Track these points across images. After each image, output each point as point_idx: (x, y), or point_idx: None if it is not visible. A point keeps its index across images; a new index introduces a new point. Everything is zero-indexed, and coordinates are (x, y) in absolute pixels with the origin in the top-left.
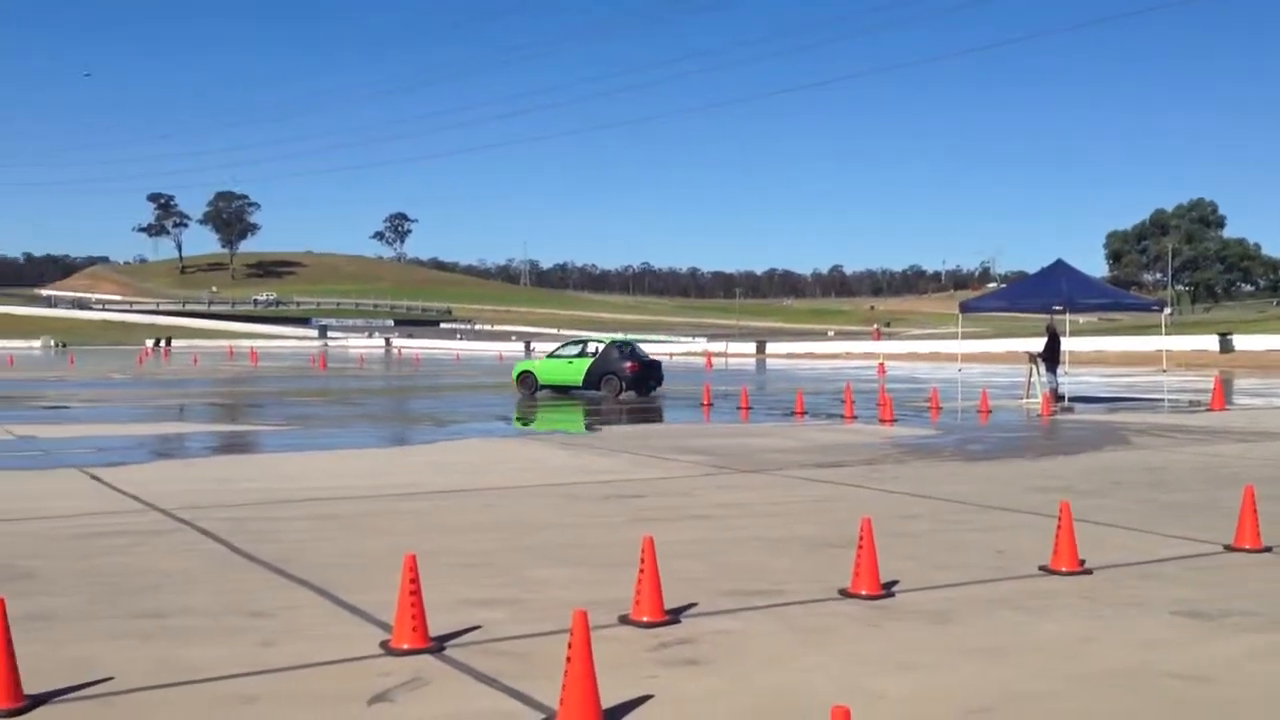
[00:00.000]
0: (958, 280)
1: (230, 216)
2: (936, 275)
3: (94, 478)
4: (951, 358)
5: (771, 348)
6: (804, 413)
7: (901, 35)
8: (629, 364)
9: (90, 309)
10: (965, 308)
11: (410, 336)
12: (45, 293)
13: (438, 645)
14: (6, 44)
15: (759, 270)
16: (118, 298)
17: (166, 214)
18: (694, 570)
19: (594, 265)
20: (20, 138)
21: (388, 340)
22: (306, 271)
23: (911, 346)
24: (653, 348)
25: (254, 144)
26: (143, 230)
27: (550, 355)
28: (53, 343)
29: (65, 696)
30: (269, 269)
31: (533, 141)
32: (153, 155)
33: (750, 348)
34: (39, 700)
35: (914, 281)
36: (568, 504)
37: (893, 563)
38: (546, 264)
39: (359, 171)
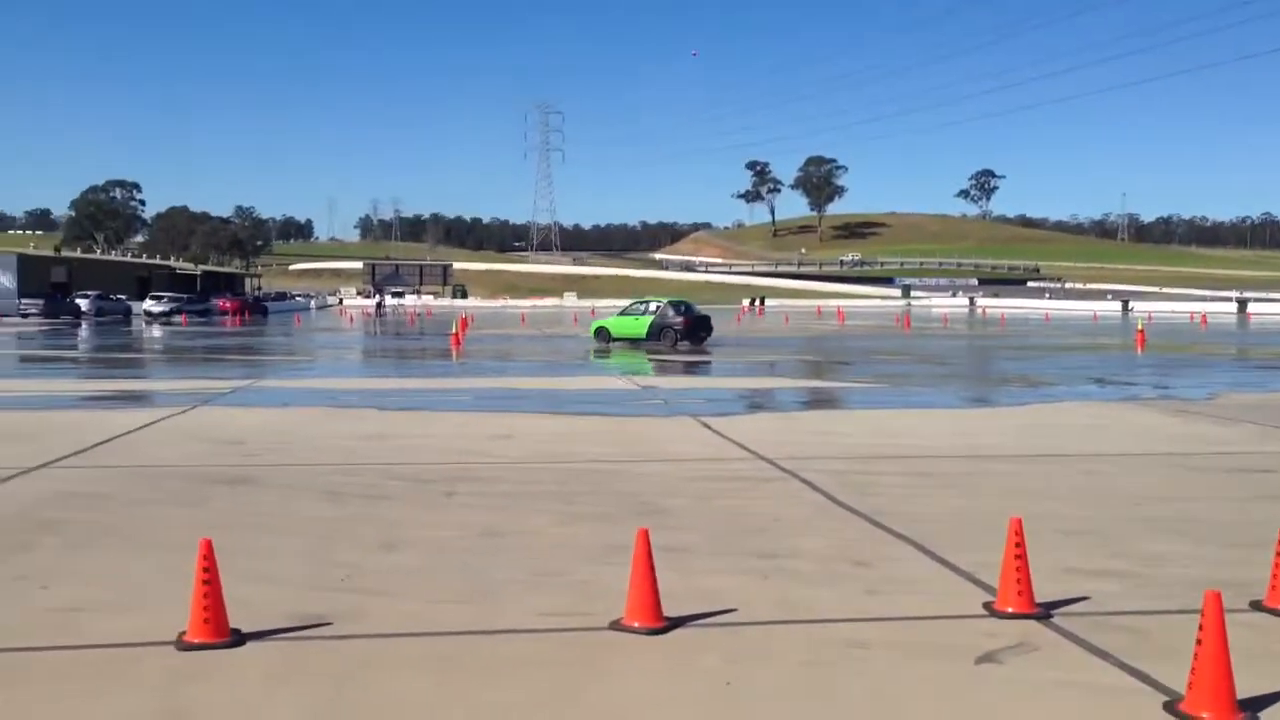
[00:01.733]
0: None
1: (819, 180)
2: None
3: (706, 426)
4: None
5: None
6: None
7: None
8: (681, 320)
9: (694, 271)
10: None
11: (995, 296)
12: (658, 256)
13: (1044, 612)
14: (624, 34)
15: None
16: (718, 260)
17: (762, 180)
18: None
19: (1203, 217)
20: (639, 118)
21: (971, 300)
22: (890, 232)
23: None
24: (1276, 308)
25: (841, 109)
26: (740, 196)
27: (621, 313)
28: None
29: (698, 622)
30: (854, 230)
31: (1129, 87)
32: (750, 126)
33: None
34: (676, 623)
35: None
36: (1184, 476)
37: None
38: (1148, 217)
39: (943, 130)
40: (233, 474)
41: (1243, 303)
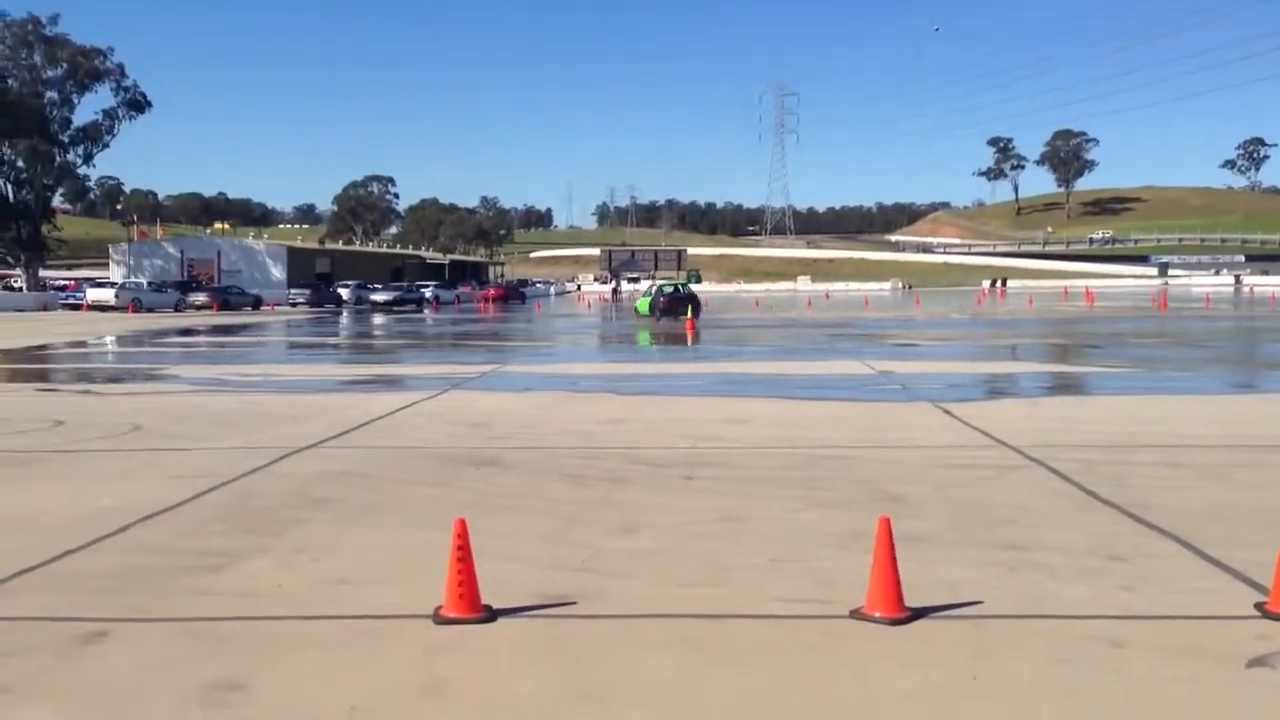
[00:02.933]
0: None
1: (1067, 155)
2: None
3: (946, 412)
4: None
5: None
6: None
7: None
8: (663, 299)
9: (932, 253)
10: None
11: (1264, 274)
12: (893, 238)
13: None
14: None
15: None
16: (957, 241)
17: (1005, 157)
18: None
19: None
20: (876, 97)
21: (1237, 278)
22: (1145, 207)
23: None
24: None
25: (1091, 79)
26: (981, 174)
27: (644, 294)
28: (900, 285)
29: (940, 614)
30: (1105, 206)
31: None
32: (990, 103)
33: None
34: (918, 614)
35: None
36: None
37: None
38: None
39: (1206, 97)
40: (480, 455)
41: None
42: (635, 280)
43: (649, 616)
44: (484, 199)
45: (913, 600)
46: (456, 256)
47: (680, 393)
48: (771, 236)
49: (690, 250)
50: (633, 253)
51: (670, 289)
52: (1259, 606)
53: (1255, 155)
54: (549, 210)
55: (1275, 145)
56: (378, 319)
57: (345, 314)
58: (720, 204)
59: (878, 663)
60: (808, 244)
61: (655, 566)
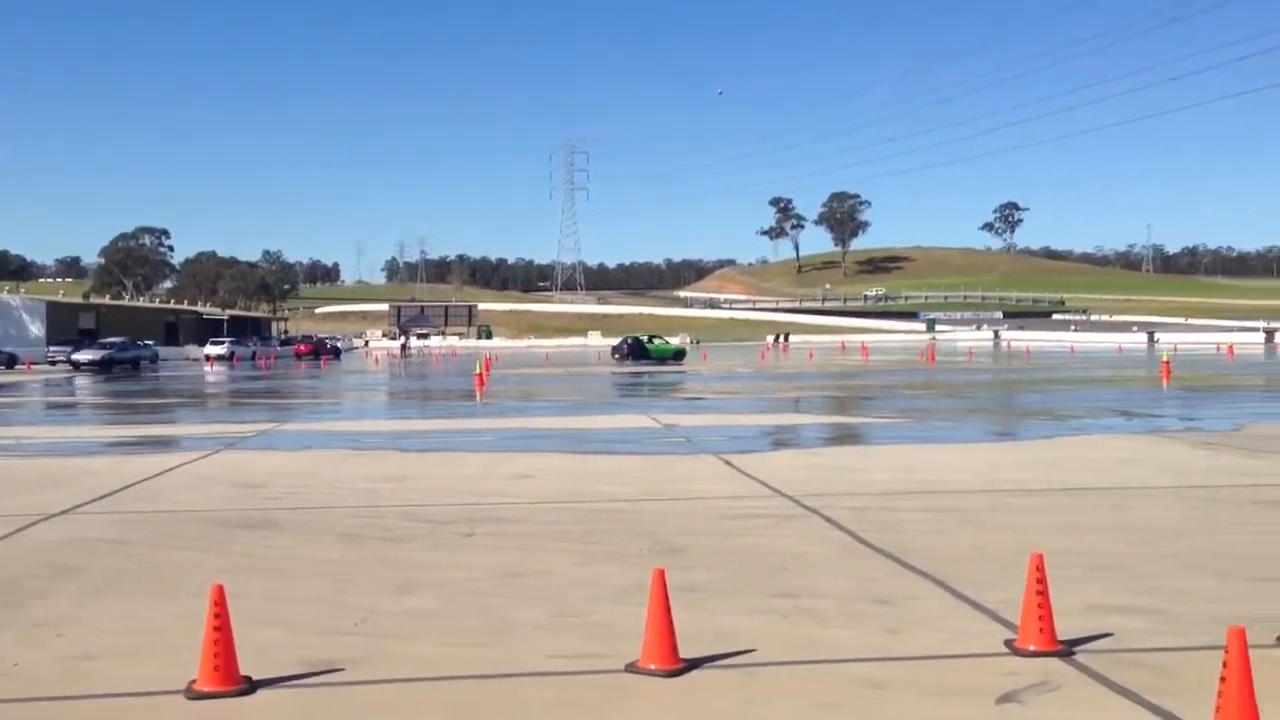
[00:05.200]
0: None
1: (842, 216)
2: None
3: (728, 463)
4: None
5: None
6: None
7: None
8: (626, 346)
9: (719, 308)
10: None
11: (1020, 329)
12: (682, 294)
13: (1066, 649)
14: (648, 74)
15: None
16: (742, 297)
17: (785, 216)
18: None
19: (1230, 247)
20: (663, 156)
21: (996, 333)
22: (914, 266)
23: None
24: None
25: (865, 144)
26: (764, 233)
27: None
28: (688, 339)
29: (715, 663)
30: (879, 265)
31: (1152, 119)
32: (774, 163)
33: None
34: (693, 664)
35: None
36: (1209, 509)
37: None
38: (1173, 248)
39: (967, 163)
40: (252, 518)
41: (1270, 333)
42: (425, 336)
43: (425, 680)
44: (267, 252)
45: (690, 650)
46: (237, 312)
47: (466, 448)
48: (563, 292)
49: (481, 305)
50: (422, 308)
51: (630, 340)
52: (1008, 644)
53: (1010, 218)
54: (336, 265)
55: (1028, 209)
56: (154, 376)
57: (111, 371)
58: (512, 259)
59: (649, 716)
60: (599, 300)
61: (433, 627)
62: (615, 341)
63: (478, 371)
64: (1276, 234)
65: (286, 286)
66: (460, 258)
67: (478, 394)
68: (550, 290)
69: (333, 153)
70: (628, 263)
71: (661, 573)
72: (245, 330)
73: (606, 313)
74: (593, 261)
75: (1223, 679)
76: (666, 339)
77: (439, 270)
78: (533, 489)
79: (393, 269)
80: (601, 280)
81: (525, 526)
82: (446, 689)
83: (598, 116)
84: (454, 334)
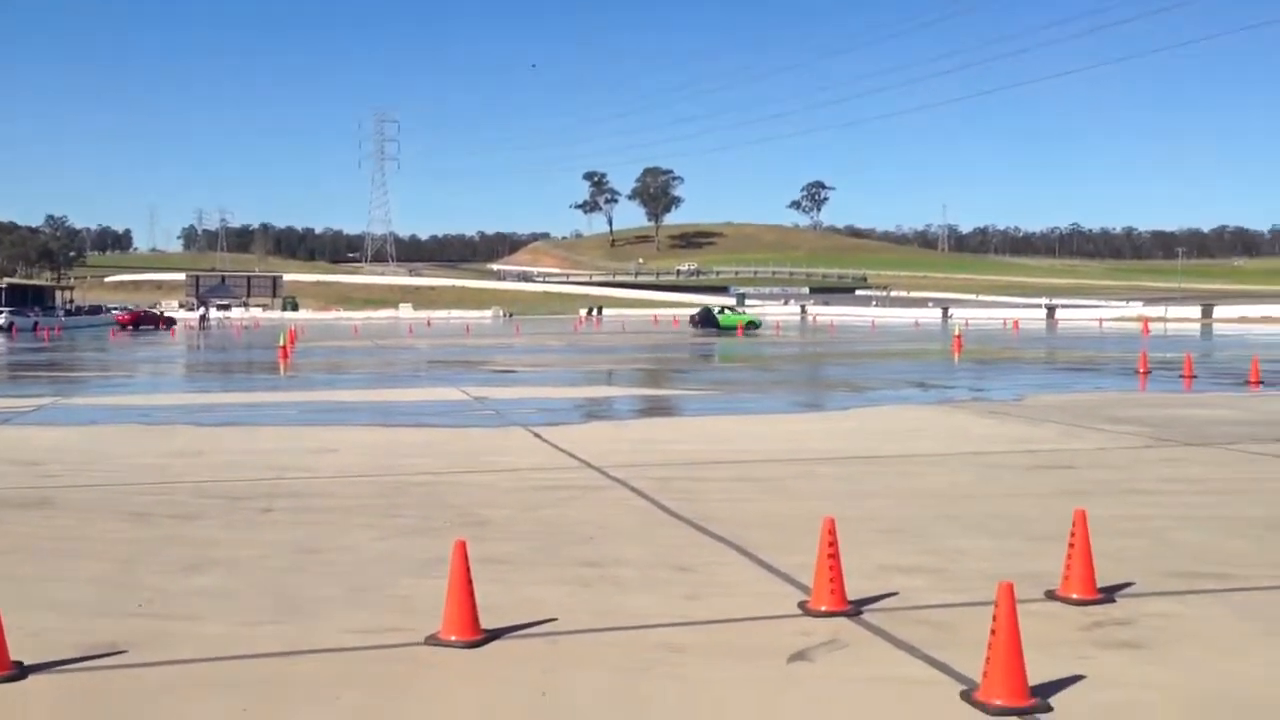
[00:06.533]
0: None
1: (656, 191)
2: None
3: (537, 436)
4: None
5: (1220, 312)
6: (1260, 382)
7: None
8: (697, 317)
9: (533, 281)
10: None
11: (825, 304)
12: (495, 267)
13: (855, 609)
14: (462, 44)
15: (1205, 228)
16: (556, 270)
17: (600, 191)
18: (1131, 548)
19: (1017, 228)
20: (478, 128)
21: (803, 307)
22: (726, 241)
23: None
24: (1080, 313)
25: (680, 119)
26: (578, 207)
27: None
28: (501, 312)
29: (516, 633)
30: (691, 240)
31: (952, 104)
32: (589, 135)
33: (1194, 312)
34: (494, 635)
35: None
36: (991, 473)
37: None
38: (966, 228)
39: (778, 141)
40: (28, 497)
41: (1051, 309)
42: (226, 308)
43: (212, 660)
44: (50, 217)
45: (492, 621)
46: (17, 280)
47: (267, 422)
48: (373, 264)
49: (287, 276)
50: (223, 278)
51: (702, 309)
52: (802, 605)
53: (817, 197)
54: (128, 231)
55: (834, 188)
56: None
57: None
58: (319, 229)
59: (451, 688)
60: (410, 271)
61: (224, 606)
62: (426, 314)
63: (282, 344)
64: (1058, 215)
65: (73, 254)
66: (264, 226)
67: (281, 367)
68: (360, 261)
69: (124, 115)
70: (441, 234)
71: (463, 544)
72: (25, 300)
73: (418, 285)
74: (404, 233)
75: (993, 632)
76: (740, 309)
77: (241, 239)
78: (335, 463)
79: (190, 237)
80: (414, 252)
81: (326, 501)
82: (233, 668)
83: (411, 83)
84: (257, 305)
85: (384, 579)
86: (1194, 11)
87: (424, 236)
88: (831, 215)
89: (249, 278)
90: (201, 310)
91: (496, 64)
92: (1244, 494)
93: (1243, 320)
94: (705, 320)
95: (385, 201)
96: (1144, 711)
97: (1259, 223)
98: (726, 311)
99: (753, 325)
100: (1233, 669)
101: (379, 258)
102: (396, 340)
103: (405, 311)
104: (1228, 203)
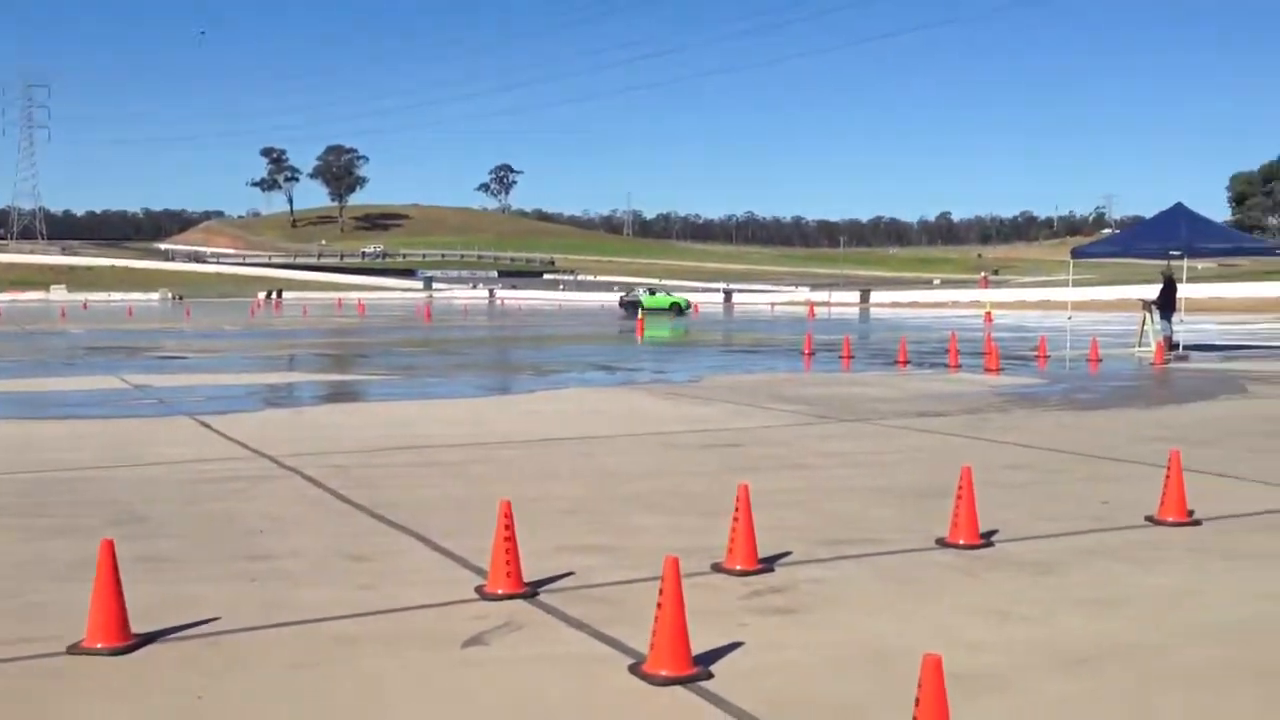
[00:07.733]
0: (1071, 226)
1: (339, 170)
2: (1049, 222)
3: (205, 425)
4: (1062, 306)
5: (876, 297)
6: (907, 362)
7: None
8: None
9: (205, 262)
10: (1077, 254)
11: (514, 288)
12: (163, 246)
13: (531, 590)
14: (125, 7)
15: (864, 219)
16: (231, 251)
17: (279, 168)
18: (790, 519)
19: (697, 215)
20: (141, 97)
21: (491, 291)
22: (412, 224)
23: (1020, 295)
24: (753, 298)
25: (364, 98)
26: (256, 185)
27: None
28: (170, 295)
29: (173, 635)
30: (376, 222)
31: (636, 91)
32: (266, 111)
33: (854, 297)
34: (147, 639)
35: (1025, 228)
36: (666, 452)
37: (993, 512)
38: (650, 214)
39: (465, 123)
40: None
41: (728, 293)
42: None
43: None
44: None
45: (146, 625)
46: None
47: None
48: (19, 241)
49: None
50: None
51: (633, 291)
52: (479, 589)
53: (505, 180)
54: None
55: (522, 172)
56: None
57: None
58: None
59: (92, 700)
60: (63, 250)
61: None
62: (83, 296)
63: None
64: (735, 204)
65: None
66: None
67: None
68: (5, 239)
69: None
70: (99, 210)
71: (109, 543)
72: None
73: (73, 264)
74: (56, 208)
75: (659, 605)
76: (668, 292)
77: None
78: None
79: None
80: (67, 228)
81: None
82: None
83: (60, 51)
84: None
85: (23, 585)
86: (868, 13)
87: (80, 212)
88: (520, 199)
89: None
90: None
91: (161, 30)
92: (891, 466)
93: (894, 305)
94: (630, 307)
95: (33, 174)
96: (795, 671)
97: (909, 215)
98: (650, 295)
99: (678, 307)
100: (871, 625)
101: (26, 235)
102: (47, 325)
103: (58, 293)
104: (883, 197)
